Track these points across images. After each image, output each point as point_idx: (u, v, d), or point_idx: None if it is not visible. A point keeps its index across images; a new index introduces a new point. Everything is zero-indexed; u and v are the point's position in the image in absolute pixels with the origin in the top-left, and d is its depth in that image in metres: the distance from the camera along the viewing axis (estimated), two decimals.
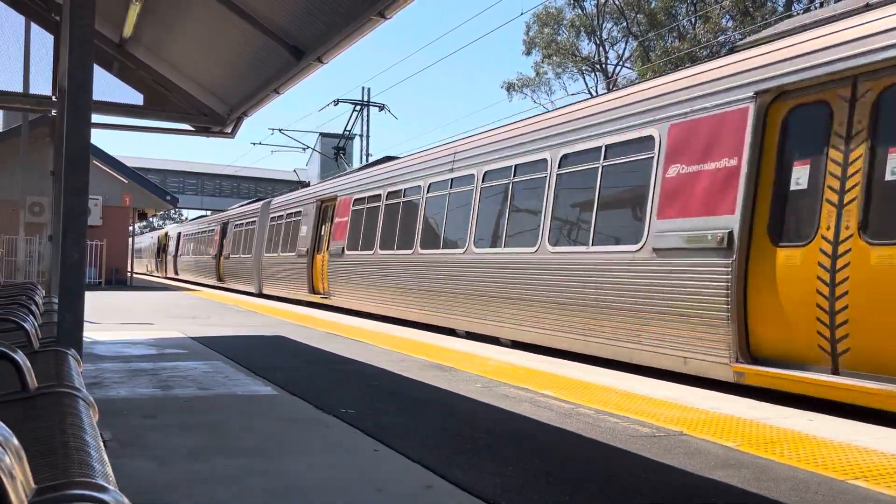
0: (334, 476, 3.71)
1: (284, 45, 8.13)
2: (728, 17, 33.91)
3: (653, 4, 36.31)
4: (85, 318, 4.73)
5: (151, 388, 6.06)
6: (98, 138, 32.11)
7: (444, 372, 7.20)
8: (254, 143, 44.37)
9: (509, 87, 42.28)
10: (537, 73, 41.51)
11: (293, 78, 8.63)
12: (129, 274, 27.92)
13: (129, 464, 3.78)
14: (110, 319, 12.37)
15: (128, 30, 9.33)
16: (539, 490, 3.53)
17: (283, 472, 3.72)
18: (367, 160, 38.97)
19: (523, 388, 6.38)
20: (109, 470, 1.66)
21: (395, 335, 10.69)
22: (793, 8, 31.33)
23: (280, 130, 33.34)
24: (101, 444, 1.92)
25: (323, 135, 38.71)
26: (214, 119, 10.98)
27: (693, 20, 35.02)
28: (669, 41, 36.21)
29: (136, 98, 10.62)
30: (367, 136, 41.13)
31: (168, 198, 29.76)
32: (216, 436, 4.49)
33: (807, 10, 30.64)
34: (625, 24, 38.14)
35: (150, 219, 57.10)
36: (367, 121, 41.28)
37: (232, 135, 11.23)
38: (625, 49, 39.61)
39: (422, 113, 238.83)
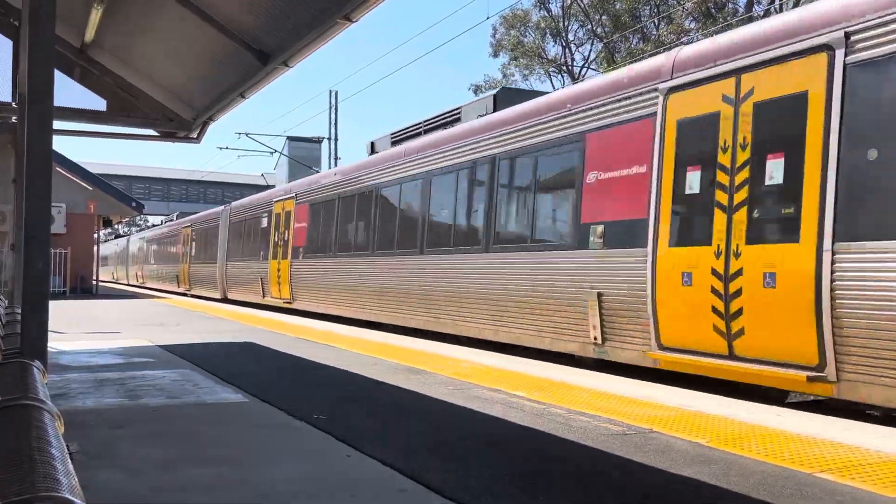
0: (307, 483, 3.69)
1: (250, 50, 8.07)
2: (691, 18, 34.35)
3: (617, 6, 36.64)
4: (49, 328, 4.65)
5: (119, 397, 5.97)
6: (61, 144, 31.70)
7: (417, 375, 7.19)
8: (220, 148, 43.88)
9: (476, 90, 42.41)
10: (504, 76, 41.71)
11: (259, 82, 8.57)
12: (94, 282, 27.56)
13: (98, 475, 3.72)
14: (76, 329, 12.16)
15: (90, 34, 9.19)
16: (512, 491, 3.54)
17: (255, 480, 3.69)
18: (335, 163, 38.78)
19: (496, 389, 6.40)
20: (76, 482, 1.64)
21: (367, 339, 10.65)
22: (753, 10, 31.83)
23: (247, 134, 33.02)
24: (68, 456, 1.89)
25: (290, 138, 38.46)
26: (180, 124, 10.85)
27: (657, 22, 35.42)
28: (634, 42, 36.57)
29: (100, 104, 10.46)
30: (336, 139, 40.97)
31: (133, 204, 29.39)
32: (186, 445, 4.44)
33: (766, 13, 31.17)
34: (590, 25, 38.45)
35: (116, 226, 55.98)
36: (336, 124, 41.13)
37: (198, 140, 11.12)
38: (590, 51, 39.98)
39: (390, 115, 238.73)
